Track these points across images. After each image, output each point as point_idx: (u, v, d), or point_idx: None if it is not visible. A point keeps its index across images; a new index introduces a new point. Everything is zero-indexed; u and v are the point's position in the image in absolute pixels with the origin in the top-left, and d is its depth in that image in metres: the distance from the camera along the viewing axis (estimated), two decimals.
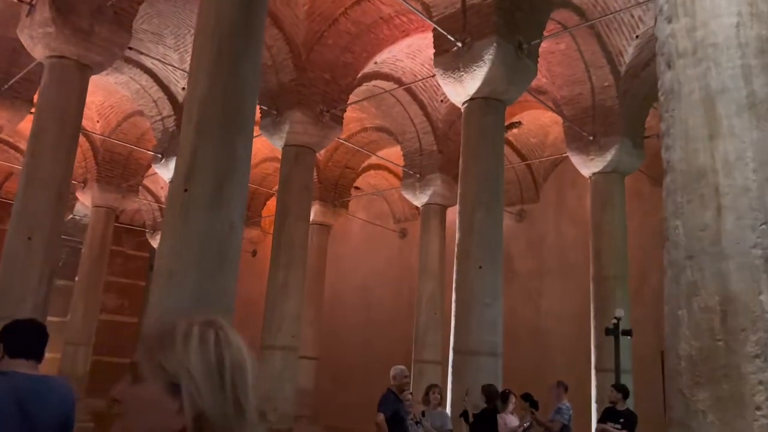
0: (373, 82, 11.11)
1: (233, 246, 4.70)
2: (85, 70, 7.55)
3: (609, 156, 9.35)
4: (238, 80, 4.96)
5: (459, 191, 7.64)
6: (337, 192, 14.45)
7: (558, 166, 13.87)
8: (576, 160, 9.82)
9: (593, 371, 9.16)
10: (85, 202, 15.19)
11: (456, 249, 7.41)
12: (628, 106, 9.56)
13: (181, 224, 4.58)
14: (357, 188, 16.15)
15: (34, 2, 7.29)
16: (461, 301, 7.04)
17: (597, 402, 8.80)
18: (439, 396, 6.25)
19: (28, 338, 2.37)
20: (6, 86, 9.48)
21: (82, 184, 14.72)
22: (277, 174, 10.47)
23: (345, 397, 15.32)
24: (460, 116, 11.67)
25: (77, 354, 14.04)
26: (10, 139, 14.21)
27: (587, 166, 9.70)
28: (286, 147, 9.93)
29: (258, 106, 10.57)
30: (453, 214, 12.06)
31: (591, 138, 9.43)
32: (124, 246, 20.44)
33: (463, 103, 7.85)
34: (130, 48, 8.43)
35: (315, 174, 13.44)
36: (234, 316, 14.77)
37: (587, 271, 9.82)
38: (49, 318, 18.84)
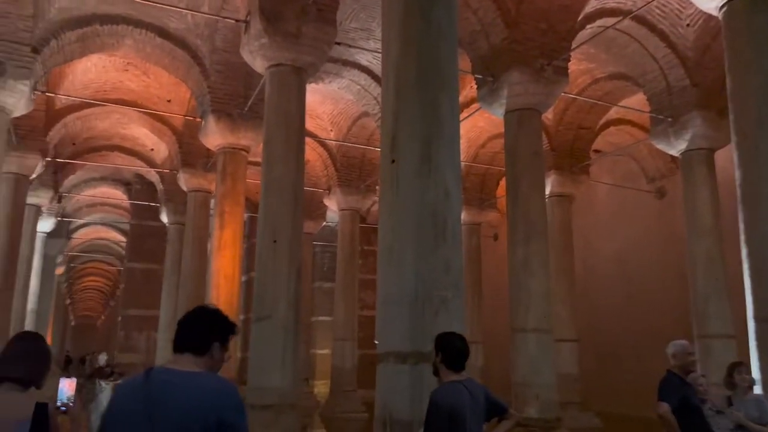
0: (598, 22, 9.66)
1: (452, 215, 4.12)
2: (300, 72, 7.75)
3: None
4: (432, 31, 4.38)
5: (732, 120, 6.01)
6: (573, 157, 13.05)
7: None
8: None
9: None
10: (332, 208, 16.25)
11: (739, 192, 5.82)
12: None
13: (394, 197, 4.15)
14: (597, 151, 14.49)
15: (248, 18, 7.71)
16: (757, 257, 5.46)
17: None
18: (748, 377, 4.78)
19: None
20: (246, 108, 10.36)
21: (327, 191, 15.76)
22: None
23: (614, 379, 13.86)
24: (715, 38, 9.64)
25: (344, 349, 15.03)
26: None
27: None
28: (508, 114, 9.12)
29: (472, 77, 10.07)
30: (722, 157, 10.01)
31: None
32: (374, 244, 21.56)
33: (720, 8, 6.18)
34: (338, 43, 8.47)
35: (546, 141, 12.33)
36: (482, 304, 14.28)
37: None
38: (320, 318, 20.76)
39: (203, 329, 2.08)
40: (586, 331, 13.23)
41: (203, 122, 10.91)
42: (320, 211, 17.75)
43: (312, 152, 15.68)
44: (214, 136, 10.71)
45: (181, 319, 2.13)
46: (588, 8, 9.33)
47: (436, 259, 3.95)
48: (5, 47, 9.02)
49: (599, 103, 12.05)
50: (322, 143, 15.20)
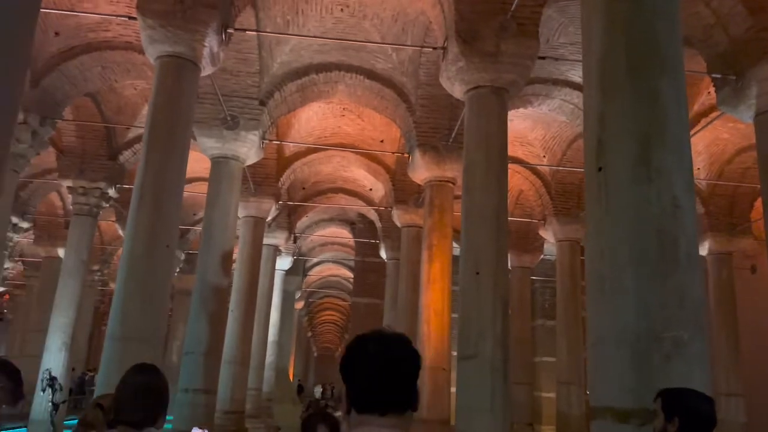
0: None
1: (684, 232, 3.21)
2: (501, 93, 7.27)
3: None
4: (644, 11, 3.59)
5: None
6: None
7: None
8: None
9: None
10: (549, 239, 15.21)
11: None
12: None
13: (603, 213, 3.39)
14: None
15: (446, 44, 7.50)
16: None
17: None
18: None
19: None
20: (450, 140, 10.17)
21: (542, 222, 14.81)
22: None
23: None
24: None
25: (570, 393, 13.70)
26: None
27: None
28: (759, 116, 7.50)
29: (709, 79, 8.56)
30: None
31: None
32: None
33: None
34: (542, 57, 7.82)
35: None
36: (739, 348, 11.85)
37: None
38: (543, 358, 19.39)
39: (411, 378, 1.42)
40: None
41: (410, 158, 10.99)
42: (537, 244, 16.77)
43: (524, 182, 14.94)
44: (421, 170, 10.69)
45: (379, 363, 1.40)
46: None
47: (665, 289, 3.08)
48: (238, 102, 10.14)
49: None
50: (535, 171, 14.39)
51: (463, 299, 6.87)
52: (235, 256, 12.63)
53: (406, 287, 13.18)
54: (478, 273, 6.76)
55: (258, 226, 13.88)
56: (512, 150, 13.82)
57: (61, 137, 13.16)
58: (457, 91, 7.54)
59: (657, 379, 2.86)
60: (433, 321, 10.10)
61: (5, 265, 22.87)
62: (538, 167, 14.29)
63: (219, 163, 10.29)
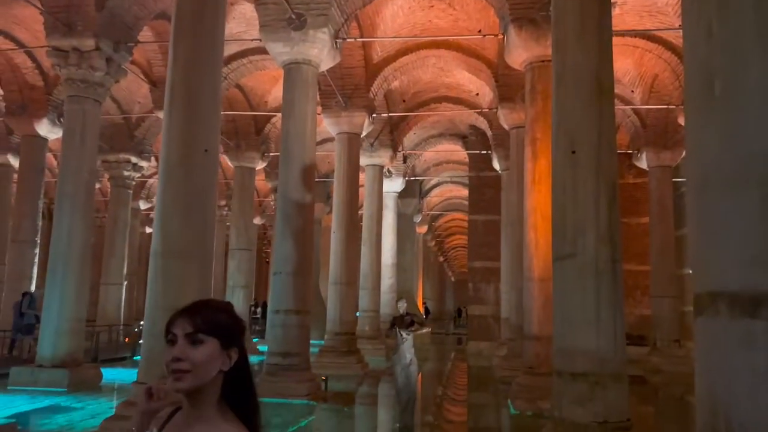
0: None
1: None
2: None
3: None
4: None
5: None
6: None
7: None
8: None
9: None
10: None
11: None
12: None
13: None
14: None
15: None
16: None
17: None
18: None
19: None
20: (550, 8, 8.35)
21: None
22: None
23: None
24: None
25: None
26: None
27: None
28: None
29: None
30: None
31: None
32: None
33: None
34: None
35: None
36: None
37: None
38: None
39: None
40: None
41: (505, 38, 9.34)
42: (678, 137, 14.27)
43: (658, 62, 12.53)
44: (518, 51, 9.04)
45: None
46: None
47: None
48: (302, 0, 9.11)
49: None
50: (671, 46, 11.93)
51: (555, 185, 5.49)
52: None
53: (517, 196, 11.74)
54: (574, 152, 5.30)
55: (353, 142, 13.03)
56: (638, 21, 11.49)
57: (151, 68, 13.09)
58: None
59: None
60: (540, 227, 8.70)
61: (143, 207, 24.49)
62: (675, 42, 11.80)
63: (291, 69, 9.43)
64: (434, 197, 28.09)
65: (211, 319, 1.24)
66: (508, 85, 12.14)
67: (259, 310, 24.72)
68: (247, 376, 1.28)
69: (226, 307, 1.30)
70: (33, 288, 12.83)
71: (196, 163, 5.73)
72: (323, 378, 9.92)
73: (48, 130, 13.05)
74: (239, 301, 16.31)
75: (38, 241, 13.49)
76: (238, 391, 1.25)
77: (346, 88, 12.54)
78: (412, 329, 7.12)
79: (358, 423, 8.33)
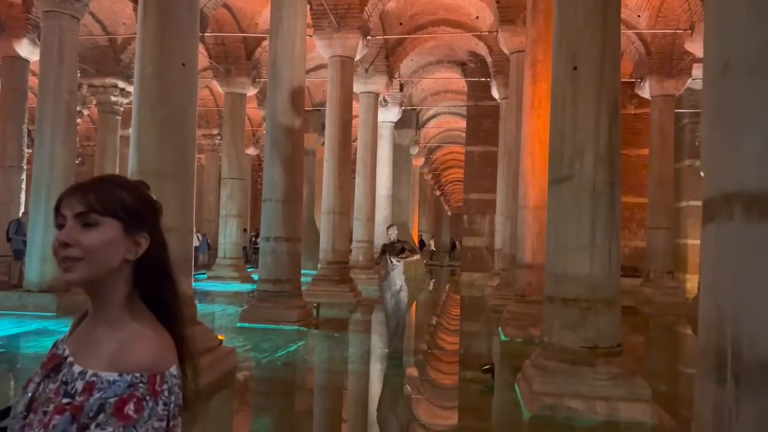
0: None
1: None
2: None
3: None
4: None
5: None
6: None
7: None
8: None
9: None
10: (699, 55, 12.25)
11: None
12: None
13: None
14: None
15: None
16: None
17: None
18: None
19: None
20: None
21: (690, 32, 11.86)
22: None
23: None
24: None
25: None
26: None
27: None
28: None
29: None
30: None
31: None
32: None
33: None
34: None
35: None
36: None
37: None
38: (690, 203, 16.94)
39: None
40: None
41: None
42: (683, 65, 13.75)
43: None
44: None
45: None
46: None
47: None
48: None
49: None
50: None
51: (554, 104, 5.18)
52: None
53: (516, 125, 11.38)
54: (575, 68, 4.96)
55: (346, 66, 12.52)
56: None
57: None
58: None
59: None
60: (537, 153, 8.43)
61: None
62: None
63: None
64: (432, 128, 27.56)
65: (109, 197, 0.98)
66: (509, 6, 11.54)
67: (259, 240, 24.75)
68: (166, 267, 1.04)
69: (130, 183, 1.04)
70: (21, 214, 12.63)
71: (173, 77, 5.37)
72: (315, 305, 9.90)
73: (29, 51, 12.48)
74: (232, 230, 16.20)
75: (24, 167, 13.18)
76: (154, 287, 1.03)
77: (339, 7, 11.92)
78: (403, 256, 6.96)
79: (350, 348, 8.34)
